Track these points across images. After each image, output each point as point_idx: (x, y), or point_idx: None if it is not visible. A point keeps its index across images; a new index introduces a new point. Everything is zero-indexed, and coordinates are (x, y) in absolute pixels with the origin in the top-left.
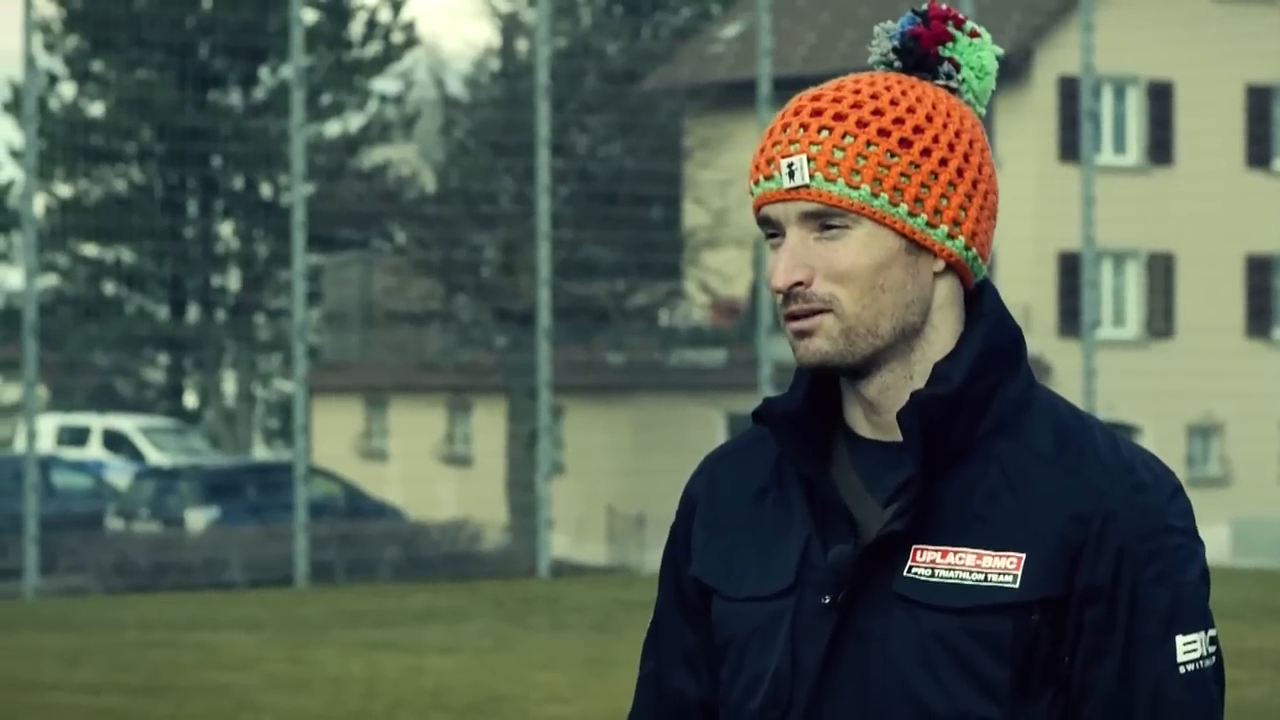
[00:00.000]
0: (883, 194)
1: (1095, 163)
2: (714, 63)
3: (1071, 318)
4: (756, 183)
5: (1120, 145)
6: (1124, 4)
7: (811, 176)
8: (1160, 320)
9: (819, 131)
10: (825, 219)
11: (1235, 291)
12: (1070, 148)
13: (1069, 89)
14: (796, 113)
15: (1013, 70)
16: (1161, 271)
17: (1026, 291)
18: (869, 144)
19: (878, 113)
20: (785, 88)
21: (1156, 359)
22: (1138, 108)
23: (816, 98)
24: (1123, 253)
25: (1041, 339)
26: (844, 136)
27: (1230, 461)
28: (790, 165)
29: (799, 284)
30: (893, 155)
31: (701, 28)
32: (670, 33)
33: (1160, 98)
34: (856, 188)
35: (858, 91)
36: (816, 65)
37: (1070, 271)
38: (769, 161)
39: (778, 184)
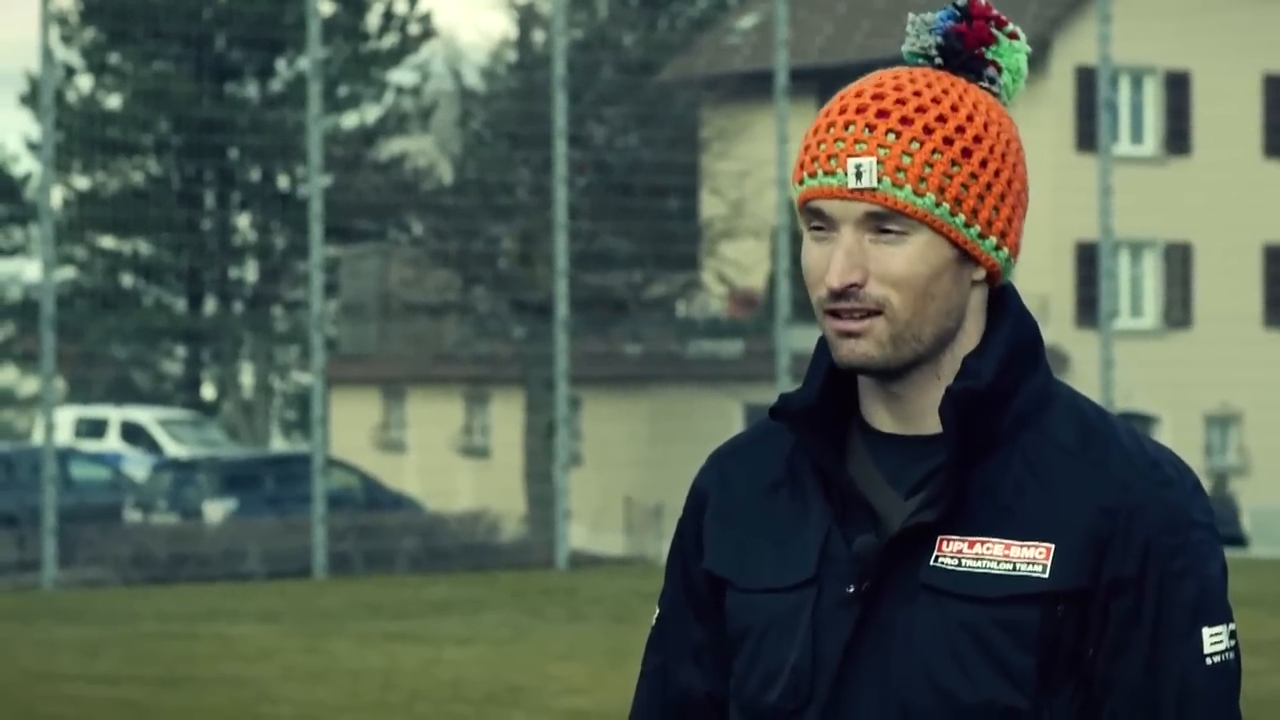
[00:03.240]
0: (945, 203)
1: (1112, 153)
2: (731, 53)
3: (1089, 308)
4: (813, 175)
5: (1137, 135)
6: None
7: (880, 180)
8: (1178, 310)
9: (887, 134)
10: (884, 222)
11: (1253, 281)
12: (1087, 138)
13: (1086, 79)
14: (860, 110)
15: (1030, 60)
16: (1179, 261)
17: (1044, 282)
18: (935, 151)
19: (942, 119)
20: (802, 78)
21: (1174, 349)
22: (1155, 98)
23: (879, 96)
24: (1140, 243)
25: (1059, 329)
26: (912, 142)
27: (1248, 451)
28: (858, 166)
29: (854, 285)
30: (955, 164)
31: (718, 18)
32: (687, 24)
33: (1177, 87)
34: (922, 195)
35: (919, 94)
36: (833, 56)
37: (1087, 262)
38: (830, 158)
39: (840, 182)
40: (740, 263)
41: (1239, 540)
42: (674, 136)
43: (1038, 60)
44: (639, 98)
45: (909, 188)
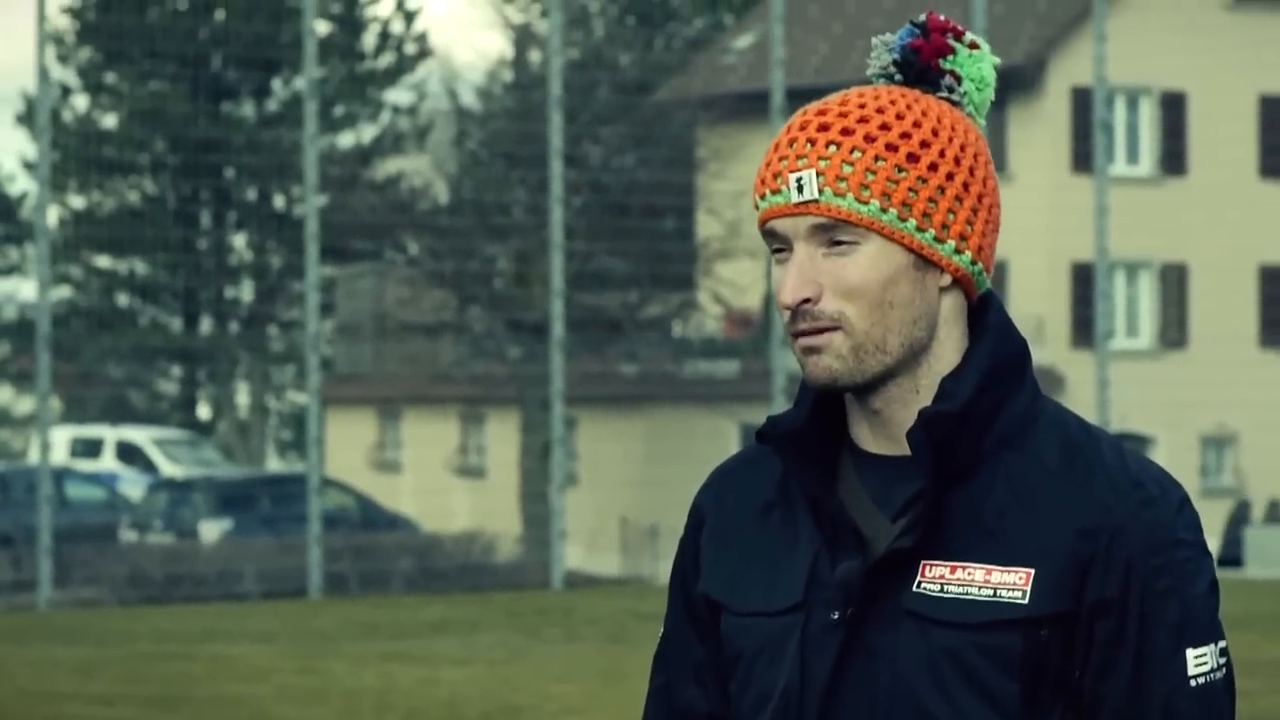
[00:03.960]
0: (891, 209)
1: (1108, 173)
2: (727, 73)
3: (1085, 328)
4: (763, 197)
5: (1133, 156)
6: (1137, 14)
7: (820, 191)
8: (1174, 331)
9: (827, 146)
10: (834, 234)
11: (1249, 302)
12: (1083, 158)
13: (1082, 99)
14: (803, 127)
15: (1025, 81)
16: (1175, 282)
17: (1040, 302)
18: (877, 158)
19: (885, 127)
20: (798, 98)
21: (1170, 370)
22: (1151, 118)
23: (822, 112)
24: (1136, 263)
25: (1055, 350)
26: (852, 151)
27: (1244, 472)
28: (799, 180)
29: (807, 301)
30: (900, 170)
31: (714, 38)
32: (683, 44)
33: (1173, 108)
34: (866, 202)
35: (863, 105)
36: (829, 76)
37: (1083, 282)
38: (776, 176)
39: (785, 198)
40: (736, 283)
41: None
42: (670, 156)
43: (1033, 80)
44: (635, 118)
45: (850, 196)
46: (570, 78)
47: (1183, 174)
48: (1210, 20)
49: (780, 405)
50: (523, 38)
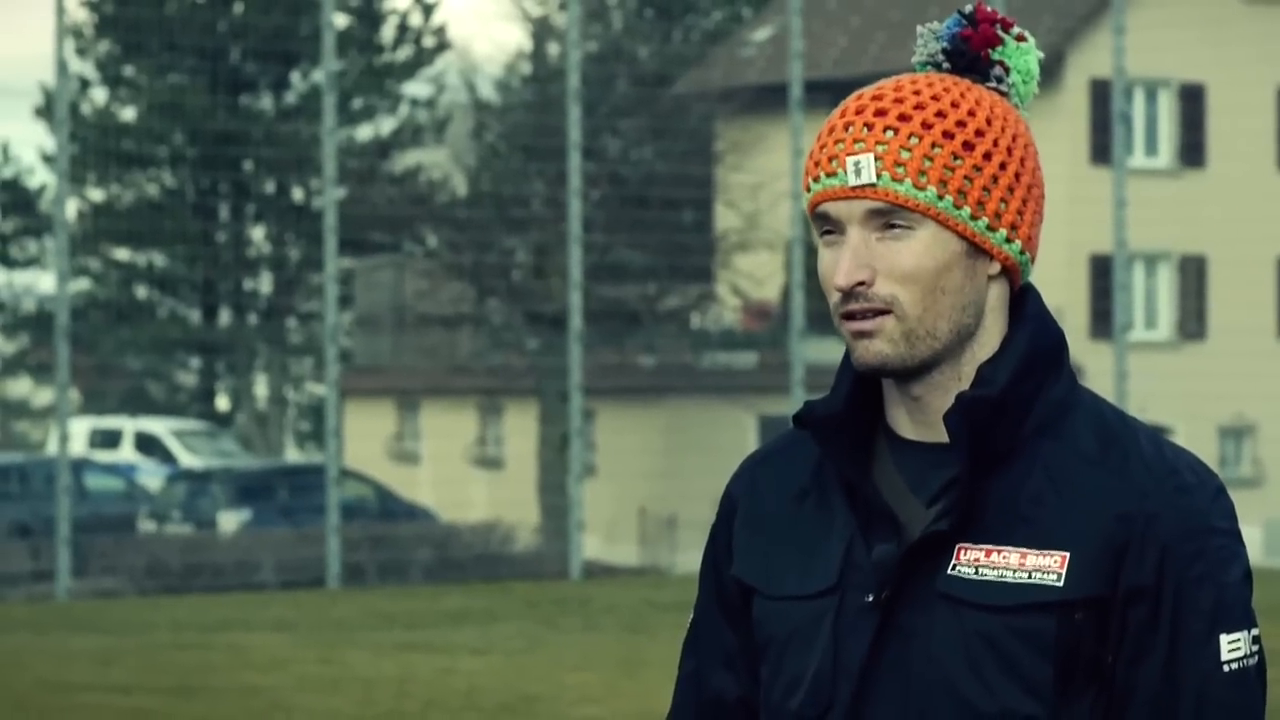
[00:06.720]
0: (948, 195)
1: (1127, 165)
2: (745, 66)
3: (1103, 320)
4: (816, 179)
5: (1152, 148)
6: (1156, 6)
7: (878, 175)
8: (1192, 322)
9: (884, 131)
10: (889, 219)
11: (1267, 294)
12: (1102, 150)
13: (1100, 91)
14: (859, 111)
15: (1044, 72)
16: (1193, 274)
17: (1058, 294)
18: (934, 145)
19: (941, 114)
20: (816, 91)
21: (1188, 361)
22: (1169, 110)
23: (877, 97)
24: (1154, 255)
25: (1073, 341)
26: (910, 137)
27: (1263, 462)
28: (857, 163)
29: (861, 284)
30: (957, 157)
31: (732, 31)
32: (701, 36)
33: (1192, 100)
34: (923, 188)
35: (918, 93)
36: (848, 68)
37: (1102, 274)
38: (831, 159)
39: (841, 181)
40: (754, 275)
41: None
42: (688, 149)
43: (1052, 73)
44: (653, 110)
45: (909, 181)
46: (588, 70)
47: (1201, 166)
48: (1229, 13)
49: (799, 397)
50: (541, 30)
